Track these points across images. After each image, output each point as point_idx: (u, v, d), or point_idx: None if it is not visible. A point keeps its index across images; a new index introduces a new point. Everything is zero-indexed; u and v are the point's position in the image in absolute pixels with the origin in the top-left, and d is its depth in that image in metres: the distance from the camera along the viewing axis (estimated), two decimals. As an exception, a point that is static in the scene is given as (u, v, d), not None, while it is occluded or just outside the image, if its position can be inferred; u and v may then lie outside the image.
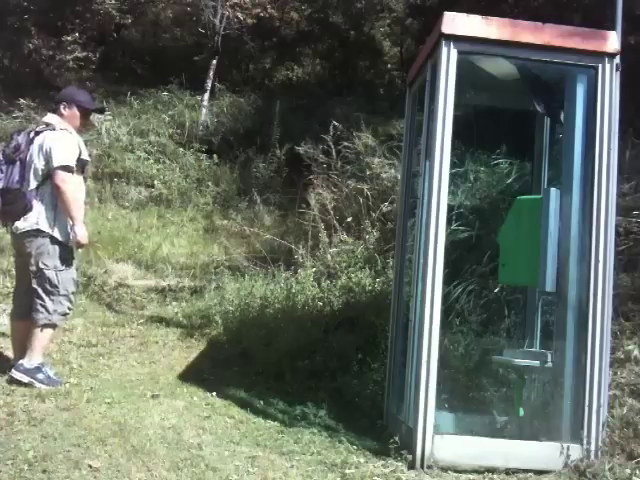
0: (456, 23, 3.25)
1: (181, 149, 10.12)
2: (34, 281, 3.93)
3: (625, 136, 4.19)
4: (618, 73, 3.32)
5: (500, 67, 3.63)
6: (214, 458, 3.02)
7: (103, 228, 7.76)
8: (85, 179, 4.25)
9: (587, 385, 3.15)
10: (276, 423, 3.71)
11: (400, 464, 3.07)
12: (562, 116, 3.71)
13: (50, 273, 3.92)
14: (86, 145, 4.27)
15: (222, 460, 3.02)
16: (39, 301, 3.91)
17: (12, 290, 5.65)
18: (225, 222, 8.56)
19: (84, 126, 4.37)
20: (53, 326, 3.98)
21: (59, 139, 3.95)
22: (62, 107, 4.09)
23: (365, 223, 5.99)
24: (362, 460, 3.15)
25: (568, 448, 3.09)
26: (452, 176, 4.04)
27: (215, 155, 9.97)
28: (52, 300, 3.92)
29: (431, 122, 3.36)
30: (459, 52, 3.25)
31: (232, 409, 3.87)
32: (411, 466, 3.05)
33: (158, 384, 4.19)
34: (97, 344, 4.95)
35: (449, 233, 4.38)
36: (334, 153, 7.33)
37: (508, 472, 3.05)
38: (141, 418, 3.45)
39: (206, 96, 11.34)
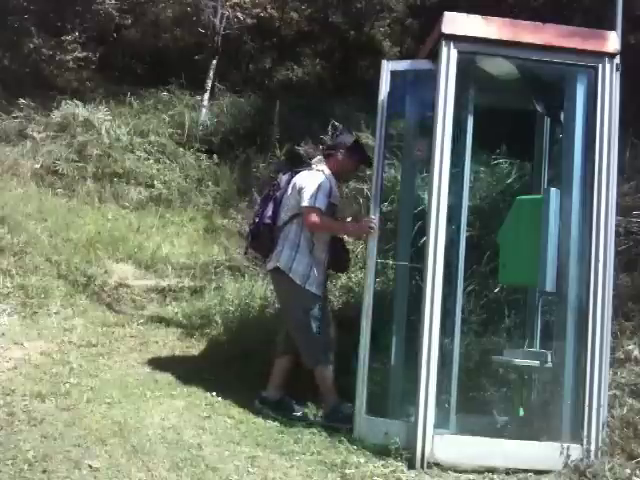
0: (456, 23, 3.26)
1: (181, 149, 10.10)
2: (287, 323, 3.95)
3: (625, 136, 4.18)
4: (618, 73, 3.32)
5: (500, 67, 3.63)
6: (214, 458, 3.03)
7: (103, 228, 7.74)
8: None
9: (587, 385, 3.16)
10: (276, 423, 3.71)
11: (400, 464, 3.08)
12: (562, 116, 3.71)
13: (296, 313, 3.86)
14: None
15: (222, 460, 3.02)
16: (298, 343, 3.88)
17: (12, 290, 5.68)
18: (225, 222, 8.54)
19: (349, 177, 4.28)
20: (321, 364, 3.85)
21: (311, 179, 3.89)
22: (340, 153, 4.03)
23: (365, 223, 5.98)
24: (362, 460, 3.15)
25: (568, 448, 3.10)
26: (452, 176, 4.03)
27: (215, 155, 9.95)
28: (307, 340, 3.84)
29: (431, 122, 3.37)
30: (459, 52, 3.26)
31: (232, 409, 3.86)
32: (411, 466, 3.06)
33: (158, 384, 4.19)
34: (97, 344, 4.93)
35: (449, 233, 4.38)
36: (334, 153, 7.31)
37: (508, 472, 3.05)
38: (141, 418, 3.45)
39: (206, 96, 11.32)
